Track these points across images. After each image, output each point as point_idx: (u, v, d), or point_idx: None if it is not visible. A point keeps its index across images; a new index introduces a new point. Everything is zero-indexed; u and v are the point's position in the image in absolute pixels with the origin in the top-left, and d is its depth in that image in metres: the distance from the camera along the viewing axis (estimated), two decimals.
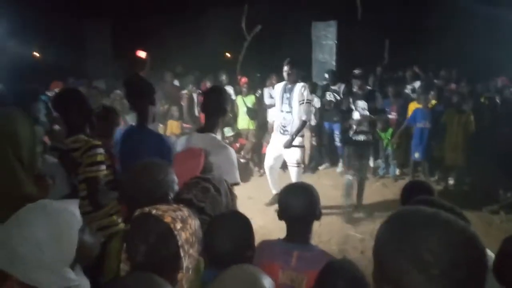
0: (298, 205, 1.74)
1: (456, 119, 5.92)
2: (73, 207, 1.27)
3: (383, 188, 6.35)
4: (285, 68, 5.00)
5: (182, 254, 1.20)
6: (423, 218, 0.82)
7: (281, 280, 1.71)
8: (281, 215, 1.80)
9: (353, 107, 5.10)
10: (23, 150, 1.62)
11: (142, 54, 3.50)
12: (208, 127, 2.55)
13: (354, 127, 5.09)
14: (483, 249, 0.79)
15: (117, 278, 1.21)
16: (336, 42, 8.39)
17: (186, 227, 1.24)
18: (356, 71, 5.16)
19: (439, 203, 1.53)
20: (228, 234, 1.48)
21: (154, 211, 1.24)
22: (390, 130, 6.61)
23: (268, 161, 5.31)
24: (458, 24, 10.24)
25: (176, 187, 1.77)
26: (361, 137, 5.11)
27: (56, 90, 5.80)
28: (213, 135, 2.53)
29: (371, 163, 6.81)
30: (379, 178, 6.81)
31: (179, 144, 2.60)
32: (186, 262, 1.22)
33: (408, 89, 7.30)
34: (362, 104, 5.06)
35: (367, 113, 5.04)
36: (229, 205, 1.78)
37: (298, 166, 5.22)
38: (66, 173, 2.38)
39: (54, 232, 1.17)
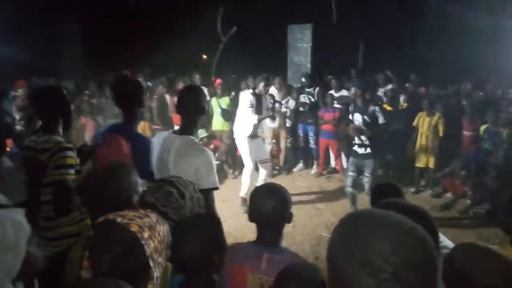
0: (268, 207, 1.69)
1: (427, 122, 6.05)
2: (19, 216, 1.18)
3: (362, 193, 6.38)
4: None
5: (151, 264, 1.15)
6: (373, 221, 0.79)
7: (250, 284, 1.67)
8: (251, 217, 1.76)
9: (352, 118, 5.06)
10: None
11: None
12: (186, 129, 2.44)
13: (356, 139, 4.99)
14: (433, 250, 0.77)
15: (80, 284, 1.12)
16: (311, 44, 8.43)
17: (154, 235, 1.18)
18: (354, 85, 5.13)
19: (401, 204, 1.51)
20: (193, 239, 1.42)
21: (119, 219, 1.18)
22: None
23: (251, 166, 5.46)
24: (431, 28, 10.53)
25: (141, 190, 1.71)
26: (361, 150, 4.99)
27: (20, 89, 5.58)
28: (192, 137, 2.43)
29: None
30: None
31: (155, 143, 2.49)
32: (155, 272, 1.16)
33: (380, 92, 7.42)
34: (358, 117, 4.95)
35: (362, 126, 4.92)
36: (194, 209, 1.72)
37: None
38: (28, 176, 2.27)
39: (1, 243, 1.09)
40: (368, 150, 4.95)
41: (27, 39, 9.02)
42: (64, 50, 9.22)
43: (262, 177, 5.57)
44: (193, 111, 2.43)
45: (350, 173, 5.08)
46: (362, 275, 0.74)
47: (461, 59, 8.71)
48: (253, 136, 5.45)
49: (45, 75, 7.38)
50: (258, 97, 5.38)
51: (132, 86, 2.64)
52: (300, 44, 8.55)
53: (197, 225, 1.50)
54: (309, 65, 8.50)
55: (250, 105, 5.27)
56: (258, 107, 5.34)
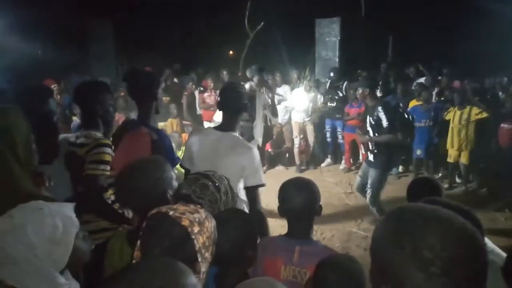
0: (298, 200, 1.73)
1: (458, 116, 5.88)
2: (69, 211, 1.22)
3: (386, 185, 6.28)
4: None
5: (199, 259, 1.16)
6: (423, 215, 0.80)
7: (283, 276, 1.70)
8: (281, 210, 1.78)
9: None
10: (18, 146, 1.59)
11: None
12: (228, 125, 2.42)
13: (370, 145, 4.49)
14: (484, 246, 0.78)
15: (139, 262, 1.14)
16: (339, 38, 8.31)
17: (203, 230, 1.20)
18: (361, 85, 4.44)
19: (445, 202, 1.49)
20: (229, 233, 1.44)
21: (171, 212, 1.20)
22: None
23: None
24: (464, 21, 10.17)
25: (175, 184, 1.72)
26: (370, 156, 4.50)
27: (53, 87, 5.74)
28: (235, 134, 2.42)
29: None
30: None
31: (192, 141, 2.47)
32: (203, 267, 1.17)
33: (415, 87, 7.25)
34: (369, 119, 4.45)
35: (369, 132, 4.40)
36: (228, 204, 1.72)
37: None
38: (68, 171, 2.33)
39: (50, 236, 1.13)
40: (373, 158, 4.38)
41: (55, 36, 9.26)
42: (94, 46, 9.41)
43: None
44: (235, 107, 2.42)
45: (358, 177, 4.78)
46: (411, 268, 0.76)
47: (497, 52, 8.38)
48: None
49: (75, 72, 7.58)
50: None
51: (145, 78, 2.59)
52: (328, 38, 8.44)
53: (235, 218, 1.52)
54: (337, 60, 8.38)
55: None
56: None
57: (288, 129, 7.45)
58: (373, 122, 4.26)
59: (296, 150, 7.14)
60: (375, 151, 4.30)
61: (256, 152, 2.36)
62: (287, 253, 1.70)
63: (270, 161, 7.32)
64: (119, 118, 6.44)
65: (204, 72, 8.43)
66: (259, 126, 4.78)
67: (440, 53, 9.56)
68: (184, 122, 7.33)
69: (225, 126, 2.43)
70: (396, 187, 5.92)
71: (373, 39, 9.13)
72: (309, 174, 6.70)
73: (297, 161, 7.17)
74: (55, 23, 9.25)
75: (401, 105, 4.73)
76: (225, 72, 8.04)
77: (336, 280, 1.37)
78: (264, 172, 6.81)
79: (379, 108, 4.19)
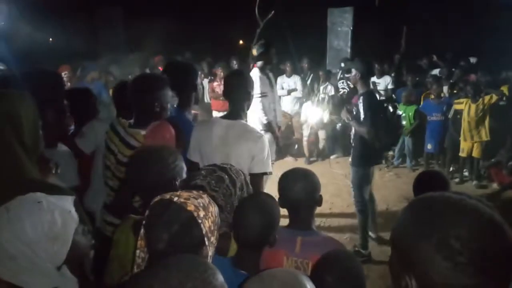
0: (297, 190, 1.74)
1: (472, 109, 5.77)
2: (68, 205, 1.19)
3: (397, 178, 6.25)
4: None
5: (206, 243, 1.18)
6: (451, 204, 0.79)
7: (286, 267, 1.69)
8: (282, 201, 1.78)
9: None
10: (25, 133, 1.56)
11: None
12: (235, 113, 2.41)
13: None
14: (511, 238, 0.75)
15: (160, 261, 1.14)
16: (351, 28, 8.18)
17: (208, 215, 1.21)
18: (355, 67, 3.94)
19: (467, 195, 1.45)
20: (263, 216, 1.49)
21: (176, 198, 1.20)
22: (414, 107, 6.43)
23: None
24: (479, 13, 9.92)
25: (185, 175, 1.73)
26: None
27: (64, 74, 5.76)
28: (244, 121, 2.41)
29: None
30: (393, 168, 6.72)
31: (198, 130, 2.44)
32: (210, 251, 1.19)
33: (428, 78, 7.13)
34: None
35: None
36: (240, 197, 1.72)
37: None
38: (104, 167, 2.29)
39: (48, 231, 1.10)
40: (351, 154, 4.10)
41: (66, 23, 9.24)
42: (104, 34, 9.40)
43: None
44: (240, 96, 2.41)
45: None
46: (437, 257, 0.74)
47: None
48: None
49: (86, 59, 7.59)
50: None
51: (184, 70, 2.60)
52: (340, 28, 8.33)
53: (265, 203, 1.55)
54: (349, 50, 8.28)
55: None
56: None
57: (297, 120, 7.39)
58: (354, 113, 3.98)
59: (305, 142, 7.09)
60: (353, 145, 4.05)
61: (266, 140, 2.34)
62: (289, 244, 1.69)
63: (279, 152, 7.27)
64: None
65: (214, 61, 8.38)
66: (278, 109, 4.61)
67: (454, 45, 9.36)
68: (192, 111, 7.29)
69: (233, 115, 2.41)
70: (409, 180, 5.88)
71: (387, 29, 8.96)
72: (318, 166, 6.66)
73: (306, 152, 7.12)
74: (66, 10, 9.24)
75: (396, 105, 4.20)
76: (235, 61, 7.98)
77: (333, 282, 1.36)
78: (273, 163, 6.76)
79: (361, 99, 3.88)
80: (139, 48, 7.83)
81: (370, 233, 4.24)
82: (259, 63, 4.35)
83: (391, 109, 3.87)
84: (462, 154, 5.97)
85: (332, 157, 7.28)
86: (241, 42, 14.24)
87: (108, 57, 7.70)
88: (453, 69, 7.65)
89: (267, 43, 4.42)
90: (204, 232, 1.17)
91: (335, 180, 5.85)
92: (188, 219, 1.17)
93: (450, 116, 6.13)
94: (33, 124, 1.61)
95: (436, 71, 7.57)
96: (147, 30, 8.37)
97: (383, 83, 7.28)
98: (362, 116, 3.82)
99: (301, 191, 1.74)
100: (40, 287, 1.09)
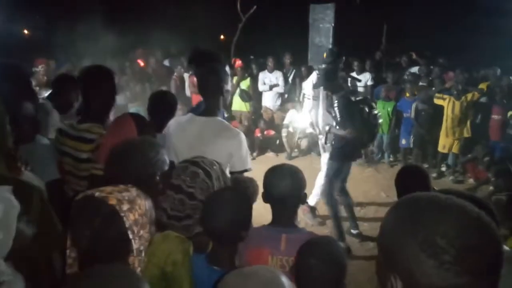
0: (284, 186, 1.70)
1: (456, 106, 5.90)
2: (7, 193, 1.18)
3: (376, 174, 6.34)
4: None
5: (130, 236, 1.15)
6: (437, 203, 0.78)
7: (271, 266, 1.66)
8: (266, 197, 1.76)
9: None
10: None
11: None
12: (210, 110, 2.33)
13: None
14: (498, 237, 0.75)
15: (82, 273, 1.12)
16: (333, 25, 8.20)
17: (135, 208, 1.18)
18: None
19: (460, 192, 1.46)
20: (229, 211, 1.46)
21: (97, 194, 1.18)
22: (392, 104, 6.73)
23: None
24: (459, 12, 10.12)
25: (166, 168, 1.68)
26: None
27: (40, 67, 5.59)
28: (220, 118, 2.34)
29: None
30: (372, 164, 6.80)
31: (172, 128, 2.38)
32: (136, 245, 1.16)
33: (407, 76, 7.24)
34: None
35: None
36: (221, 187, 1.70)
37: None
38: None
39: None
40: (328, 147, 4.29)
41: (42, 15, 8.97)
42: (83, 25, 9.16)
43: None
44: (215, 92, 2.33)
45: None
46: (422, 256, 0.73)
47: (492, 43, 8.36)
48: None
49: (63, 52, 7.38)
50: None
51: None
52: (322, 25, 8.30)
53: (233, 197, 1.52)
54: (330, 46, 8.29)
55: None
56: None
57: (278, 116, 7.40)
58: (333, 114, 4.20)
59: (284, 138, 7.10)
60: (333, 141, 4.23)
61: (243, 136, 2.30)
62: (274, 242, 1.67)
63: (260, 147, 7.27)
64: None
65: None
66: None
67: (434, 43, 9.51)
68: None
69: (208, 112, 2.32)
70: (388, 175, 5.98)
71: (368, 27, 9.03)
72: (299, 162, 6.67)
73: (287, 148, 7.13)
74: (43, 1, 8.98)
75: (373, 104, 4.36)
76: None
77: (316, 263, 1.37)
78: (254, 158, 6.75)
79: (335, 101, 4.14)
80: (116, 41, 7.66)
81: (352, 230, 4.32)
82: (325, 67, 4.53)
83: (367, 109, 3.97)
84: (443, 150, 6.11)
85: (313, 153, 7.31)
86: (222, 37, 14.14)
87: (83, 50, 7.53)
88: (431, 67, 7.77)
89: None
90: (127, 225, 1.14)
91: (316, 176, 5.87)
92: (109, 212, 1.14)
93: (412, 114, 6.34)
94: None
95: (415, 69, 7.68)
96: (128, 23, 8.21)
97: (363, 79, 7.35)
98: (338, 117, 4.03)
99: (287, 188, 1.70)
100: None
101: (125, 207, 1.15)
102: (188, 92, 7.46)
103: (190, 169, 1.65)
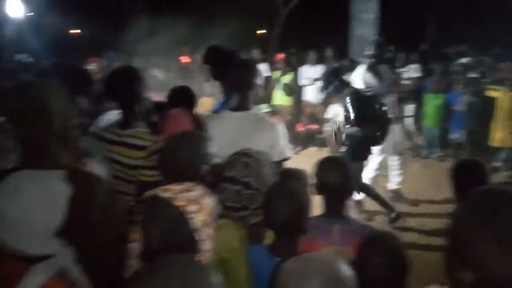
0: (335, 177, 1.75)
1: (508, 98, 5.59)
2: (58, 178, 1.26)
3: (425, 169, 6.14)
4: None
5: (197, 237, 1.17)
6: (509, 195, 0.79)
7: None
8: (318, 188, 1.80)
9: None
10: (57, 122, 1.56)
11: None
12: (244, 104, 2.34)
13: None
14: None
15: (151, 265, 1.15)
16: (377, 16, 7.98)
17: (202, 207, 1.20)
18: None
19: None
20: (288, 201, 1.48)
21: (164, 194, 1.20)
22: (442, 96, 6.48)
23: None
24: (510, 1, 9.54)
25: (213, 161, 1.72)
26: None
27: (93, 66, 5.85)
28: (255, 111, 2.37)
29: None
30: (422, 158, 6.61)
31: (210, 126, 2.33)
32: (204, 244, 1.19)
33: (456, 67, 6.92)
34: None
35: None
36: (271, 176, 1.73)
37: None
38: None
39: (44, 199, 1.19)
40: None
41: (90, 14, 9.34)
42: (129, 23, 9.47)
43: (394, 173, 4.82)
44: (246, 86, 2.34)
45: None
46: (498, 252, 0.74)
47: None
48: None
49: (113, 50, 7.66)
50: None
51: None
52: (365, 16, 8.12)
53: (291, 190, 1.54)
54: (374, 38, 8.08)
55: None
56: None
57: (320, 110, 7.30)
58: (345, 113, 4.14)
59: (327, 132, 6.99)
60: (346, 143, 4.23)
61: (281, 126, 2.33)
62: (327, 233, 1.70)
63: (302, 141, 7.23)
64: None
65: (237, 51, 8.33)
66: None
67: (485, 32, 9.03)
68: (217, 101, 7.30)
69: (241, 106, 2.33)
70: (437, 170, 5.78)
71: (414, 16, 8.72)
72: None
73: (330, 142, 7.03)
74: (93, 2, 9.36)
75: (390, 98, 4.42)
76: (256, 51, 7.92)
77: (380, 261, 1.38)
78: (297, 153, 6.72)
79: (347, 99, 4.08)
80: (162, 39, 7.86)
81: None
82: (370, 61, 4.52)
83: (377, 105, 3.94)
84: (496, 144, 5.83)
85: None
86: (260, 31, 14.16)
87: (132, 48, 7.77)
88: (483, 57, 7.38)
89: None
90: (195, 227, 1.17)
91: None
92: (176, 214, 1.17)
93: (462, 106, 6.08)
94: (63, 113, 1.62)
95: (464, 60, 7.33)
96: (170, 20, 8.39)
97: (409, 71, 7.10)
98: (352, 115, 4.00)
99: (340, 178, 1.74)
100: (37, 252, 1.18)
101: (193, 208, 1.18)
102: None
103: (242, 159, 1.70)
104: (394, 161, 4.82)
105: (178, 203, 1.17)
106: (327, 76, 4.50)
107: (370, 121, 4.01)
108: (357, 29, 8.34)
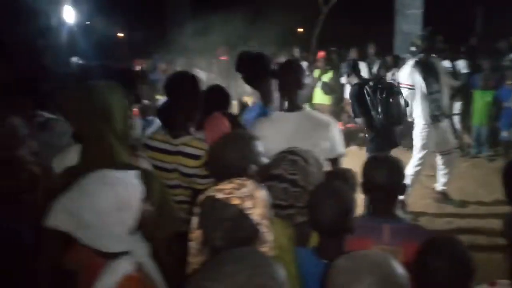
0: (384, 175, 1.67)
1: None
2: (133, 178, 1.29)
3: (473, 169, 5.89)
4: None
5: (260, 229, 1.21)
6: None
7: None
8: (366, 187, 1.73)
9: None
10: (117, 122, 1.65)
11: None
12: (295, 104, 2.37)
13: None
14: None
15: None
16: (422, 10, 7.72)
17: (257, 202, 1.23)
18: None
19: None
20: (334, 202, 1.47)
21: (219, 195, 1.23)
22: (491, 93, 6.20)
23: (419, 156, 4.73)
24: None
25: (262, 160, 1.72)
26: None
27: (139, 67, 6.07)
28: (309, 110, 2.43)
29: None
30: (470, 158, 6.34)
31: (266, 133, 2.27)
32: (266, 235, 1.22)
33: (507, 62, 6.57)
34: None
35: None
36: (318, 175, 1.74)
37: None
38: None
39: (118, 201, 1.22)
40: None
41: (135, 17, 9.64)
42: (173, 26, 9.72)
43: (441, 173, 4.71)
44: (295, 86, 2.36)
45: None
46: None
47: None
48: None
49: (156, 52, 7.90)
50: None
51: (290, 69, 2.48)
52: (410, 11, 7.88)
53: (336, 191, 1.53)
54: (419, 33, 7.82)
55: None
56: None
57: None
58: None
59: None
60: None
61: (336, 123, 2.37)
62: (376, 233, 1.65)
63: (344, 140, 7.12)
64: None
65: (277, 50, 8.34)
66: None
67: None
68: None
69: (293, 106, 2.36)
70: (486, 170, 5.55)
71: (461, 10, 8.35)
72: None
73: None
74: (138, 7, 9.68)
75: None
76: (296, 50, 7.90)
77: (442, 266, 1.30)
78: None
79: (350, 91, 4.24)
80: (204, 40, 8.02)
81: None
82: (418, 56, 4.42)
83: (383, 96, 3.85)
84: None
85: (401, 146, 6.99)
86: (300, 30, 14.05)
87: (175, 49, 7.99)
88: None
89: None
90: (256, 222, 1.20)
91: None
92: (235, 213, 1.20)
93: None
94: (122, 113, 1.71)
95: None
96: (212, 21, 8.53)
97: (457, 67, 6.82)
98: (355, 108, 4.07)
99: (389, 177, 1.67)
100: (114, 249, 1.22)
101: (249, 204, 1.21)
102: None
103: (288, 157, 1.71)
104: (439, 161, 4.67)
105: (235, 201, 1.21)
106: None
107: (369, 114, 3.96)
108: (401, 24, 8.11)
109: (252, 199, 1.22)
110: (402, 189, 1.74)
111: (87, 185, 1.24)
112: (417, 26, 7.86)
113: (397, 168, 1.73)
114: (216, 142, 1.82)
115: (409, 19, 7.94)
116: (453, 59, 6.79)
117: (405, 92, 4.41)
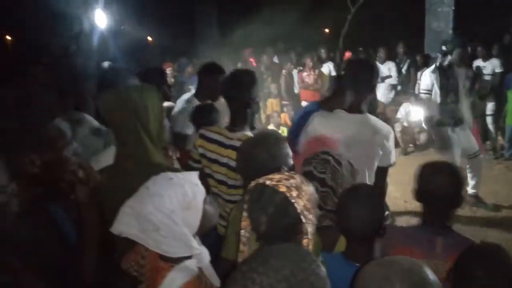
0: (442, 184, 1.58)
1: None
2: (195, 178, 1.31)
3: (508, 172, 5.69)
4: None
5: (303, 220, 1.24)
6: None
7: None
8: (419, 195, 1.65)
9: None
10: (151, 124, 1.69)
11: None
12: (358, 106, 2.26)
13: None
14: None
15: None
16: (453, 8, 7.52)
17: (302, 194, 1.26)
18: None
19: None
20: (363, 207, 1.46)
21: (268, 182, 1.28)
22: None
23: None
24: None
25: (291, 161, 1.76)
26: None
27: (168, 70, 6.20)
28: (368, 115, 2.29)
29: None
30: (503, 160, 6.12)
31: (319, 124, 2.30)
32: (308, 227, 1.25)
33: None
34: None
35: None
36: (348, 180, 1.74)
37: None
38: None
39: (183, 202, 1.23)
40: None
41: (164, 23, 9.85)
42: (201, 32, 9.88)
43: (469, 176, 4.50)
44: (366, 88, 2.27)
45: None
46: None
47: None
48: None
49: (184, 55, 8.05)
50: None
51: (364, 69, 2.39)
52: (441, 8, 7.69)
53: (366, 195, 1.52)
54: (450, 32, 7.62)
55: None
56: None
57: (391, 109, 7.06)
58: None
59: (398, 133, 6.74)
60: None
61: (392, 132, 2.32)
62: (427, 245, 1.58)
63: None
64: None
65: (303, 51, 8.34)
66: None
67: None
68: (283, 102, 7.39)
69: (357, 108, 2.26)
70: None
71: (494, 7, 8.08)
72: (415, 158, 6.30)
73: (401, 144, 6.78)
74: (167, 11, 9.88)
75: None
76: (323, 51, 7.86)
77: (483, 276, 1.24)
78: None
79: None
80: (231, 42, 8.10)
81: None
82: (440, 59, 4.38)
83: None
84: None
85: (431, 148, 6.82)
86: (326, 30, 13.95)
87: (202, 52, 8.10)
88: None
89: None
90: (299, 211, 1.23)
91: None
92: (281, 200, 1.24)
93: None
94: (158, 115, 1.76)
95: None
96: (239, 23, 8.61)
97: (490, 66, 6.62)
98: None
99: (447, 186, 1.58)
100: (180, 254, 1.23)
101: (294, 193, 1.25)
102: (297, 88, 7.56)
103: (321, 156, 1.73)
104: (467, 164, 4.52)
105: (282, 189, 1.25)
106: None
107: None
108: (431, 22, 7.92)
109: (297, 190, 1.26)
110: (461, 200, 1.64)
111: (155, 186, 1.25)
112: (448, 24, 7.67)
113: (458, 177, 1.63)
114: (245, 142, 1.86)
115: (439, 17, 7.75)
116: (485, 59, 6.59)
117: (423, 96, 4.41)
